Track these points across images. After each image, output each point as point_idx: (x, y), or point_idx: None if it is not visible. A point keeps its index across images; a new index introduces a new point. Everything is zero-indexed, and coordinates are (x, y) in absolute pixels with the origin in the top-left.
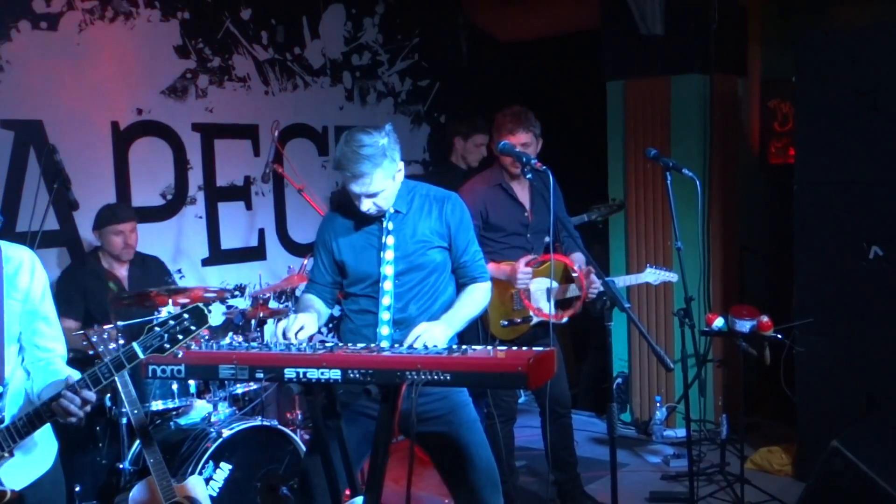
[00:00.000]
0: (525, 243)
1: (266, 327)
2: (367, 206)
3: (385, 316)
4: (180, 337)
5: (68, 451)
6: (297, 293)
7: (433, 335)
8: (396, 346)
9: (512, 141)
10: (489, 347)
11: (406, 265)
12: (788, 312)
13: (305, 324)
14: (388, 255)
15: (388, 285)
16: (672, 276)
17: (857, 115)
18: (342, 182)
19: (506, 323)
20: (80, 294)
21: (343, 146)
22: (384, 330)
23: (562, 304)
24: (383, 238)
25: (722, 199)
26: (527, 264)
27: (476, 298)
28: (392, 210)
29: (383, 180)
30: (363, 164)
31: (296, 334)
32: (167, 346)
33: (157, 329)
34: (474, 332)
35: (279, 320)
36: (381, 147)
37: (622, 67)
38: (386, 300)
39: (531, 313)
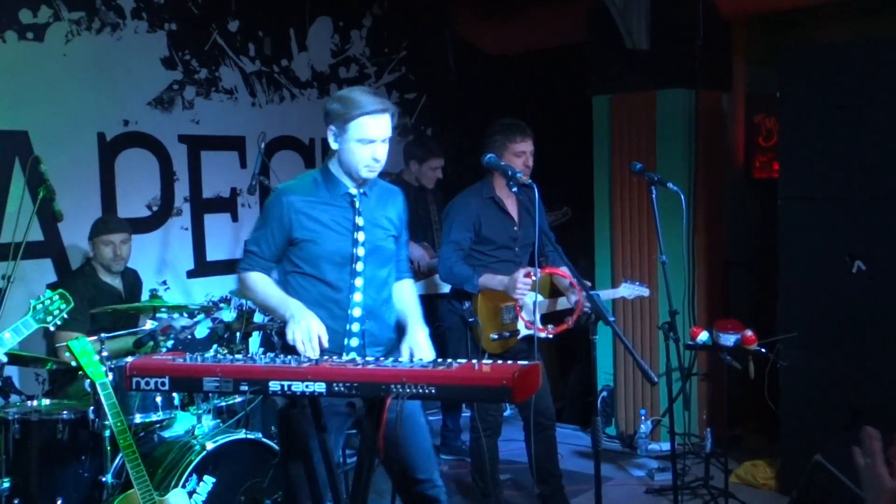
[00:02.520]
0: (513, 256)
1: (251, 340)
2: (381, 153)
3: (357, 297)
4: (56, 312)
5: (50, 463)
6: None
7: (425, 347)
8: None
9: (521, 148)
10: (474, 361)
11: (372, 248)
12: (773, 326)
13: (321, 331)
14: (361, 235)
15: (360, 266)
16: (644, 291)
17: (840, 131)
18: (351, 133)
19: (496, 336)
20: (85, 305)
21: (351, 94)
22: (356, 311)
23: (552, 317)
24: (355, 218)
25: (707, 214)
26: (526, 275)
27: (416, 295)
28: (360, 191)
29: (392, 128)
30: (384, 101)
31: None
32: (48, 318)
33: (39, 306)
34: (463, 345)
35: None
36: (385, 95)
37: (608, 82)
38: (359, 281)
39: (518, 326)
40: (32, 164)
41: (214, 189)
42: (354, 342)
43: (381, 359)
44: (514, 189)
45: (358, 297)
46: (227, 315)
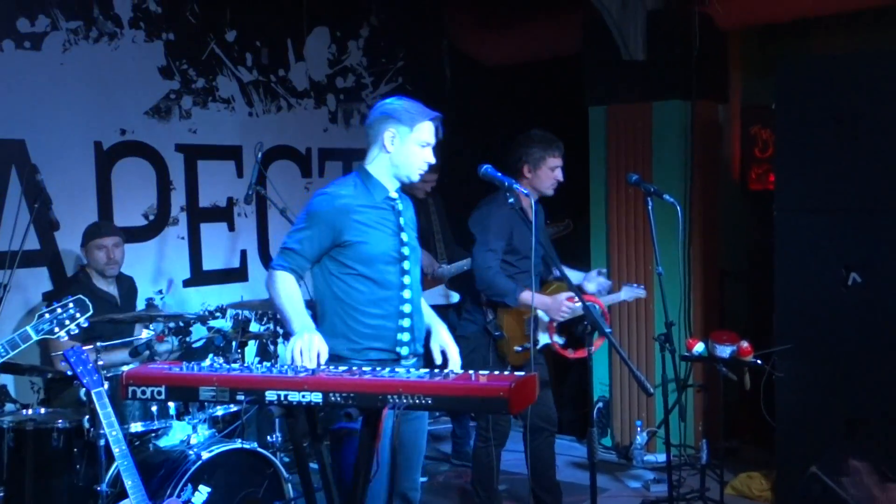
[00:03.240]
0: (529, 266)
1: (247, 349)
2: (432, 157)
3: (407, 294)
4: (67, 323)
5: (44, 472)
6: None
7: (454, 346)
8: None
9: (557, 163)
10: (471, 372)
11: (412, 247)
12: (769, 338)
13: (321, 347)
14: (405, 236)
15: (406, 265)
16: (642, 292)
17: (835, 143)
18: (411, 136)
19: (520, 349)
20: None
21: (405, 101)
22: (406, 308)
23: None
24: (398, 220)
25: (702, 225)
26: (568, 300)
27: None
28: (396, 194)
29: None
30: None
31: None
32: (56, 329)
33: (47, 315)
34: (480, 355)
35: (285, 343)
36: None
37: (604, 93)
38: (407, 279)
39: (539, 337)
40: (29, 173)
41: (211, 198)
42: (405, 337)
43: (378, 369)
44: (511, 200)
45: (407, 294)
46: (224, 324)
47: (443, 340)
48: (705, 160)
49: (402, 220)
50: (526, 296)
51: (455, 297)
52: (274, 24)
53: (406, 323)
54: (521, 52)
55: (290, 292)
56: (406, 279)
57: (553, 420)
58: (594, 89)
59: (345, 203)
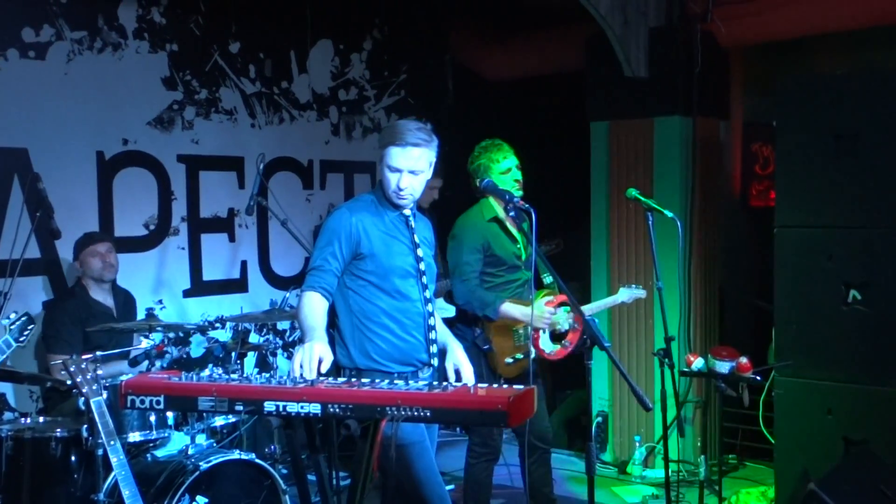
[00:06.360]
0: (513, 276)
1: (246, 360)
2: (405, 183)
3: (430, 307)
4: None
5: (43, 481)
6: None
7: (468, 364)
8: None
9: (506, 165)
10: (469, 385)
11: (427, 264)
12: (767, 354)
13: (323, 355)
14: (420, 252)
15: (424, 279)
16: (641, 293)
17: (836, 160)
18: (384, 160)
19: (511, 360)
20: (77, 326)
21: (396, 123)
22: (431, 321)
23: (555, 337)
24: (413, 236)
25: (703, 241)
26: (546, 304)
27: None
28: (409, 212)
29: (426, 162)
30: (418, 136)
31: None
32: (21, 338)
33: (13, 327)
34: (475, 371)
35: (286, 355)
36: (429, 131)
37: (606, 108)
38: (428, 293)
39: (530, 346)
40: (31, 182)
41: (212, 209)
42: (434, 348)
43: (377, 381)
44: (512, 213)
45: (430, 307)
46: (223, 335)
47: (457, 359)
48: (706, 176)
49: (416, 237)
50: (506, 307)
51: (448, 311)
52: (277, 36)
53: (433, 335)
54: (524, 67)
55: (310, 308)
56: (427, 293)
57: (547, 437)
58: (596, 105)
59: (360, 216)
